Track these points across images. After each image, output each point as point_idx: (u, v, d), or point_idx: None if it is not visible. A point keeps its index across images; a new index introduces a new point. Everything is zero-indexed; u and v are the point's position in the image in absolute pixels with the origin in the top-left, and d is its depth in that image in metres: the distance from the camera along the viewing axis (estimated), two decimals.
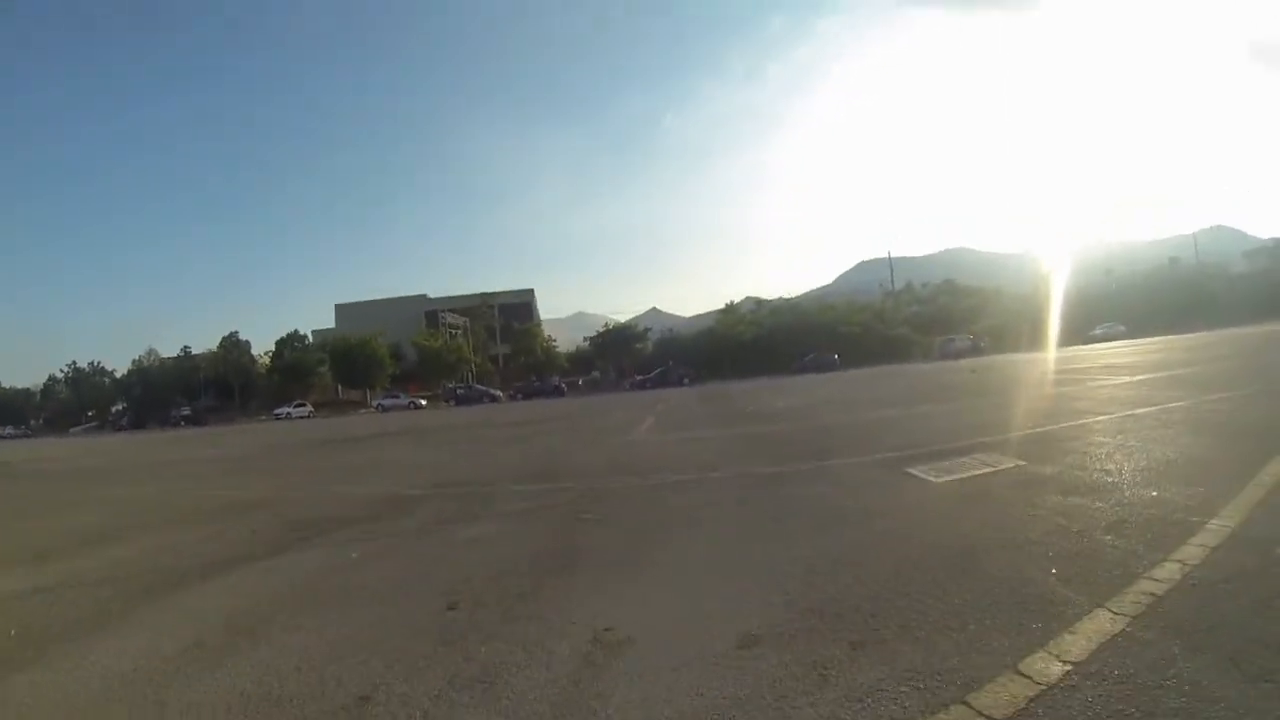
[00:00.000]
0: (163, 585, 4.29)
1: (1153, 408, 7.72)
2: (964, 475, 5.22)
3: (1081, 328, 57.19)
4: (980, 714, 1.84)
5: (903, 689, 2.00)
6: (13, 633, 3.55)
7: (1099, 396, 9.74)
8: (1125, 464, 4.93)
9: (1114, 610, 2.41)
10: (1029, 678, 2.00)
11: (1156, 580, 2.65)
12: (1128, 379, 12.25)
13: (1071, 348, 44.70)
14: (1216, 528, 3.22)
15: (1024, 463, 5.36)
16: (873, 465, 6.08)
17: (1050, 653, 2.14)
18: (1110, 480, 4.49)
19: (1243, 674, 1.91)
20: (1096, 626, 2.31)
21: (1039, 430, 6.98)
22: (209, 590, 4.16)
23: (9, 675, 2.97)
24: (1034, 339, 53.04)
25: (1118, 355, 23.32)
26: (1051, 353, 35.69)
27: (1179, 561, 2.84)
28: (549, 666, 2.50)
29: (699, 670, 2.30)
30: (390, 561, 4.50)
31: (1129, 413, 7.51)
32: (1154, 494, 3.99)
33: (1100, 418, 7.38)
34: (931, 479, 5.20)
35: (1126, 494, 4.08)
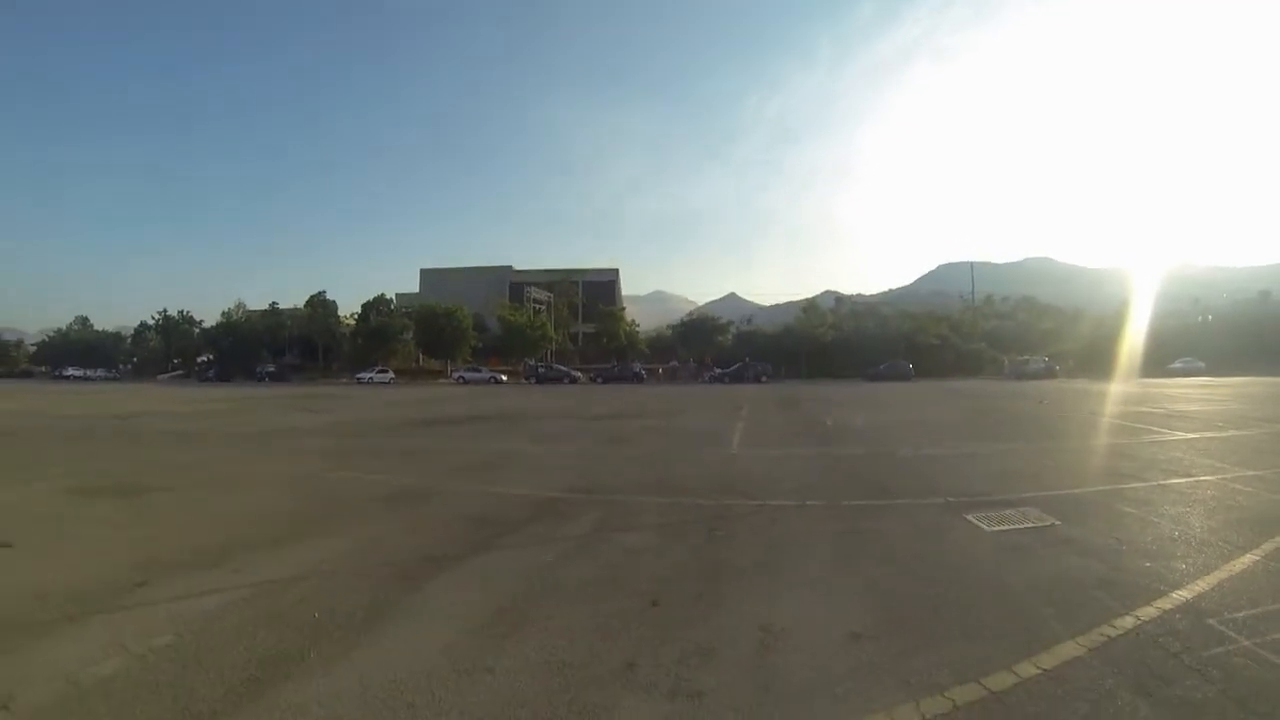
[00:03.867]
0: (403, 578, 5.26)
1: (1186, 479, 9.03)
2: (1009, 527, 6.70)
3: (1161, 358, 56.60)
4: None
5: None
6: (316, 615, 4.50)
7: (1144, 457, 10.97)
8: (1138, 534, 6.38)
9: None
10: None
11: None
12: (1181, 436, 13.37)
13: (1147, 380, 44.61)
14: (1177, 597, 4.69)
15: (1059, 522, 6.82)
16: (937, 509, 7.57)
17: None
18: (1116, 548, 5.97)
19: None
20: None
21: (1078, 492, 8.37)
22: (451, 582, 5.21)
23: (355, 651, 3.98)
24: (1110, 367, 52.77)
25: (1188, 399, 24.07)
26: (1124, 386, 35.98)
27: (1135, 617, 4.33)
28: (736, 647, 3.97)
29: (834, 652, 3.89)
30: (581, 566, 5.61)
31: (1161, 483, 8.84)
32: (1146, 564, 5.47)
33: (1135, 484, 8.73)
34: (984, 528, 6.71)
35: (1125, 561, 5.57)
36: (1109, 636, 3.97)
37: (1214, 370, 54.36)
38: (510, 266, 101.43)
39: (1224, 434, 13.73)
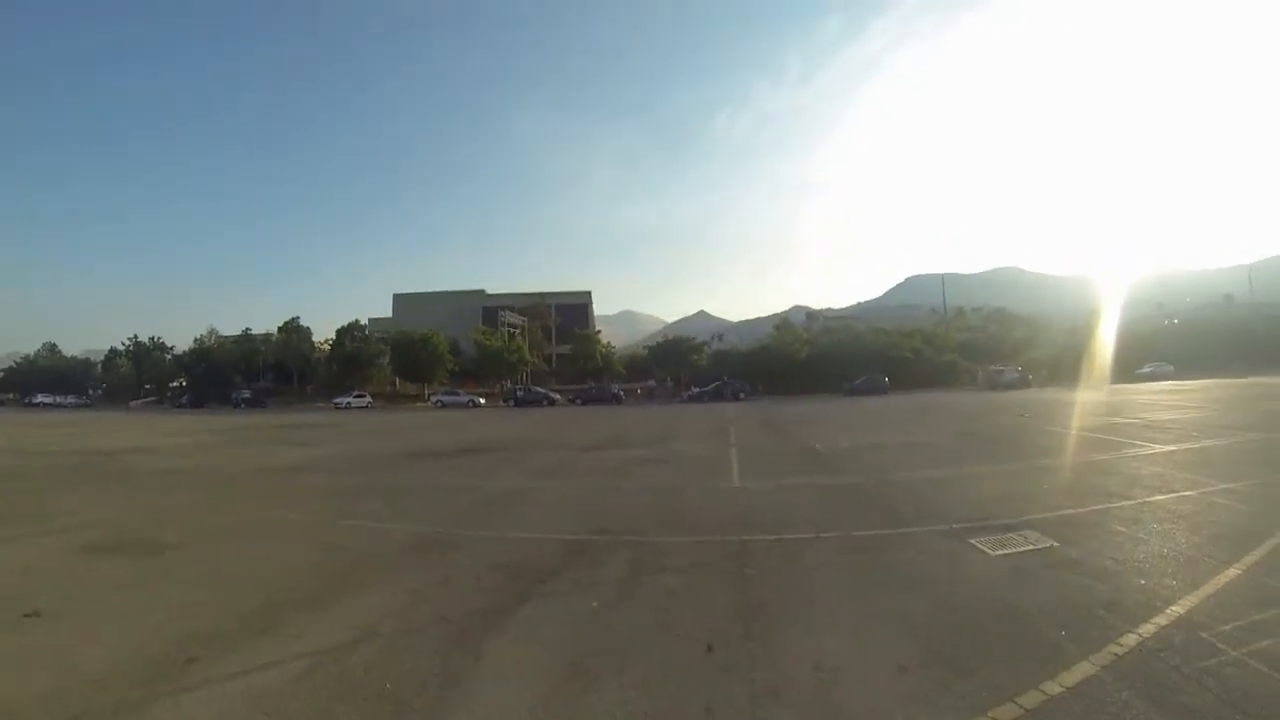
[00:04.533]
0: (460, 636, 5.29)
1: (1168, 495, 9.67)
2: (1012, 550, 7.23)
3: (1130, 363, 58.43)
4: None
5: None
6: (388, 683, 4.48)
7: (1126, 472, 11.66)
8: (1131, 553, 6.96)
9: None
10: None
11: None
12: (1159, 449, 14.14)
13: (1118, 385, 45.93)
14: (1172, 613, 5.24)
15: (1057, 544, 7.35)
16: (942, 535, 8.09)
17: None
18: (1112, 568, 6.52)
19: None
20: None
21: (1071, 512, 8.96)
22: (510, 638, 5.25)
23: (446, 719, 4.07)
24: (1082, 374, 54.24)
25: (1160, 407, 25.20)
26: (1097, 394, 37.07)
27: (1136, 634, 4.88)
28: (797, 686, 4.31)
29: (887, 683, 4.36)
30: (629, 613, 5.76)
31: (1146, 499, 9.47)
32: (1141, 583, 6.02)
33: (1123, 503, 9.35)
34: (989, 552, 7.21)
35: (1122, 581, 6.12)
36: (1117, 654, 4.50)
37: (1181, 373, 56.18)
38: (483, 290, 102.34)
39: (1199, 444, 14.54)
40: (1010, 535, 7.83)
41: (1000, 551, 7.24)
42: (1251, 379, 42.31)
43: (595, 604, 6.02)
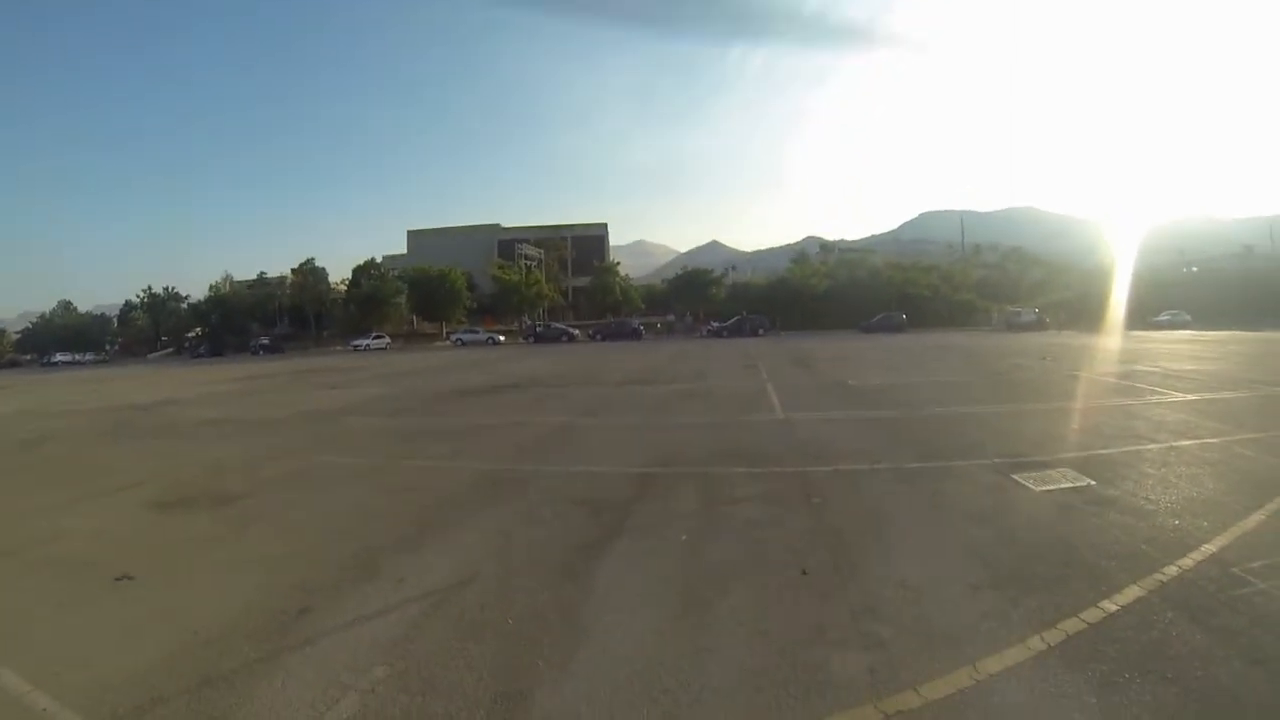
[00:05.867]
0: (564, 571, 5.61)
1: (1193, 441, 10.15)
2: (1053, 487, 7.85)
3: (1148, 309, 58.40)
4: None
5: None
6: (510, 621, 4.66)
7: (1153, 418, 12.13)
8: (1163, 494, 7.54)
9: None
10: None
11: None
12: (1181, 397, 14.66)
13: (1136, 333, 46.21)
14: (1205, 550, 5.86)
15: (1094, 483, 7.95)
16: (987, 470, 8.73)
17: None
18: (1148, 507, 7.12)
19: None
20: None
21: (1103, 453, 9.52)
22: (614, 571, 5.58)
23: (577, 651, 4.22)
24: (1099, 318, 54.50)
25: (1179, 356, 25.47)
26: (1116, 340, 37.43)
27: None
28: (889, 603, 5.07)
29: (964, 600, 5.02)
30: (717, 542, 6.18)
31: (1173, 444, 9.98)
32: (1176, 522, 6.62)
33: (1151, 446, 9.88)
34: (1033, 488, 7.85)
35: (1158, 519, 6.72)
36: (1161, 581, 5.14)
37: (1198, 323, 56.21)
38: (498, 225, 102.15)
39: (1220, 395, 14.98)
40: (1049, 472, 8.43)
41: (1043, 487, 7.85)
42: (1270, 333, 42.24)
43: (684, 535, 6.41)
